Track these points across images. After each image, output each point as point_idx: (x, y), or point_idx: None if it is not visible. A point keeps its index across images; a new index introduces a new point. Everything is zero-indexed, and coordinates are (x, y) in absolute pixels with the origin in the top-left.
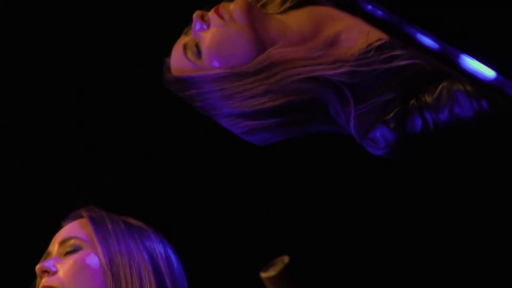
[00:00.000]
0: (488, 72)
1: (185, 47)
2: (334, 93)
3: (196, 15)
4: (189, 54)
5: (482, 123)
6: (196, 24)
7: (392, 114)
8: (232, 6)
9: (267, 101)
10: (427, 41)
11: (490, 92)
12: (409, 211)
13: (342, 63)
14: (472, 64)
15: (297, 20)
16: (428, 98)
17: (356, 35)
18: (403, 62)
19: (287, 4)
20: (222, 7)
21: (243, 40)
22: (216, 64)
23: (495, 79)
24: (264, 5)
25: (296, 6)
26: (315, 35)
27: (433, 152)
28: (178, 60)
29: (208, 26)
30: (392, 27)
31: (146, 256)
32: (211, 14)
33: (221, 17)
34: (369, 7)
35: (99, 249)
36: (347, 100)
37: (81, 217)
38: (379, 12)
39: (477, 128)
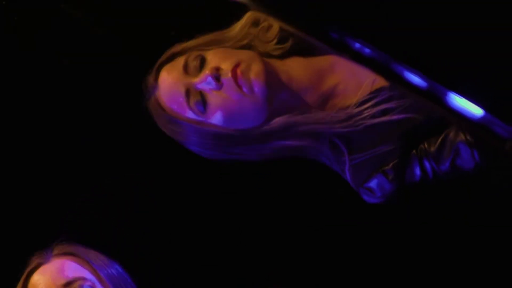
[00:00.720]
0: (476, 110)
1: (187, 92)
2: (328, 148)
3: (210, 72)
4: (192, 103)
5: (481, 173)
6: (209, 80)
7: (391, 165)
8: (253, 75)
9: (257, 157)
10: (414, 79)
11: (478, 130)
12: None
13: (339, 118)
14: (460, 102)
15: (300, 71)
16: (429, 148)
17: (353, 86)
18: (396, 117)
19: (286, 47)
20: (242, 74)
21: (256, 111)
22: (220, 124)
23: (483, 117)
24: (262, 45)
25: (294, 52)
26: (317, 86)
27: (428, 200)
28: (177, 102)
29: (221, 87)
30: (380, 65)
31: (132, 284)
32: (229, 79)
33: (239, 86)
34: (357, 45)
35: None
36: (341, 152)
37: (66, 254)
38: (367, 50)
39: (476, 179)
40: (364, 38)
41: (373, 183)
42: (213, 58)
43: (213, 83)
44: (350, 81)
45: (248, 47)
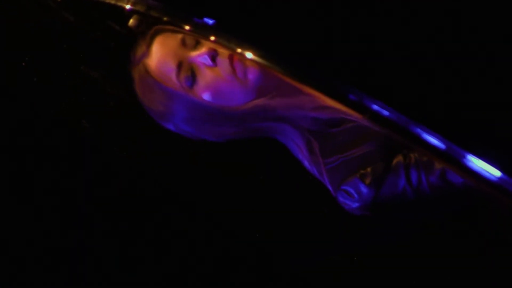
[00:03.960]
0: (494, 172)
1: (179, 65)
2: (305, 145)
3: (208, 50)
4: (182, 76)
5: (468, 198)
6: (205, 58)
7: (370, 168)
8: (250, 63)
9: (228, 136)
10: (433, 141)
11: (496, 192)
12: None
13: (320, 103)
14: (478, 163)
15: None
16: (421, 156)
17: None
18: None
19: None
20: (240, 59)
21: (245, 96)
22: (206, 98)
23: (501, 179)
24: None
25: None
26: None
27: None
28: (166, 72)
29: (215, 65)
30: (398, 127)
31: None
32: (225, 60)
33: (234, 68)
34: (375, 107)
35: None
36: (316, 154)
37: None
38: (386, 112)
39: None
40: (382, 99)
41: (350, 186)
42: (209, 42)
43: (209, 60)
44: None
45: None
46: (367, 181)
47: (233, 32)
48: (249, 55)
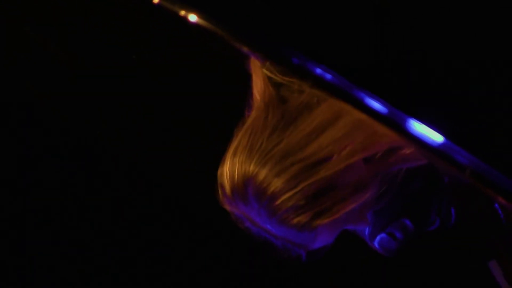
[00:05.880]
0: (436, 137)
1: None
2: None
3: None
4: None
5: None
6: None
7: (415, 207)
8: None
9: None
10: (375, 104)
11: (437, 157)
12: None
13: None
14: (420, 128)
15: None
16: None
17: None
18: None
19: None
20: None
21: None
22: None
23: (443, 144)
24: None
25: None
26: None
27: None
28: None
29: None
30: (341, 91)
31: None
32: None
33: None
34: (318, 70)
35: None
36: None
37: None
38: (328, 76)
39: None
40: (325, 63)
41: (395, 227)
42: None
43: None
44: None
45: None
46: (415, 220)
47: None
48: (193, 17)
